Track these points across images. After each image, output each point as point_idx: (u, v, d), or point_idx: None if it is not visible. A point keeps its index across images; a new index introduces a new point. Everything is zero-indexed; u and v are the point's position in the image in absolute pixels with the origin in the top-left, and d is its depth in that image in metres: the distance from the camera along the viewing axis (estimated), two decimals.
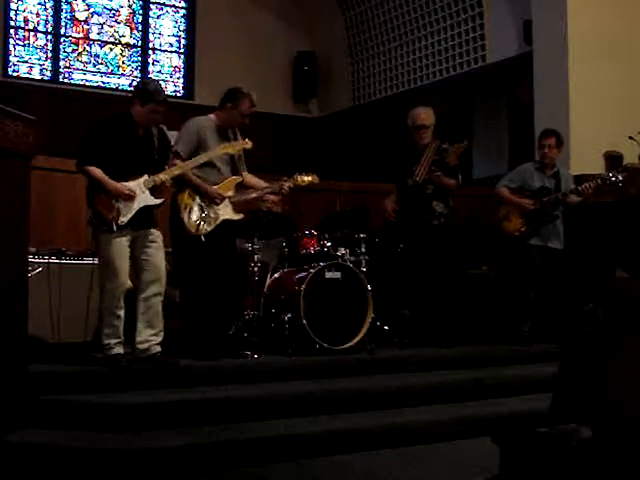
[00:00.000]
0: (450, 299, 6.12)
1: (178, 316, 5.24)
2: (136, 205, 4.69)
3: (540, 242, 6.24)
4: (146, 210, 4.76)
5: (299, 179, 5.59)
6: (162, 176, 4.79)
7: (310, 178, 5.62)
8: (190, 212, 5.10)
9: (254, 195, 5.52)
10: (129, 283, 4.71)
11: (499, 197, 6.43)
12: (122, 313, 4.68)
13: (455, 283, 6.33)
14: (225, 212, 5.24)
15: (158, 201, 4.81)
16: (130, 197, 4.65)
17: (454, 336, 6.01)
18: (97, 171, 4.63)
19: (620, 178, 5.90)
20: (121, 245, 4.67)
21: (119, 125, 4.76)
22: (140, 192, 4.71)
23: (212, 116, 5.41)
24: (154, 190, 4.79)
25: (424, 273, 6.03)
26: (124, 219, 4.65)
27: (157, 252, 4.80)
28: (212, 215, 5.17)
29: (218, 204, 5.20)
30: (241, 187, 5.44)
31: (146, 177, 4.76)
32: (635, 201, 5.98)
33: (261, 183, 5.56)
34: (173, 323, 5.07)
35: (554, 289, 6.27)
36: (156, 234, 4.84)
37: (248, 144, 5.27)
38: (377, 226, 6.40)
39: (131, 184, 4.69)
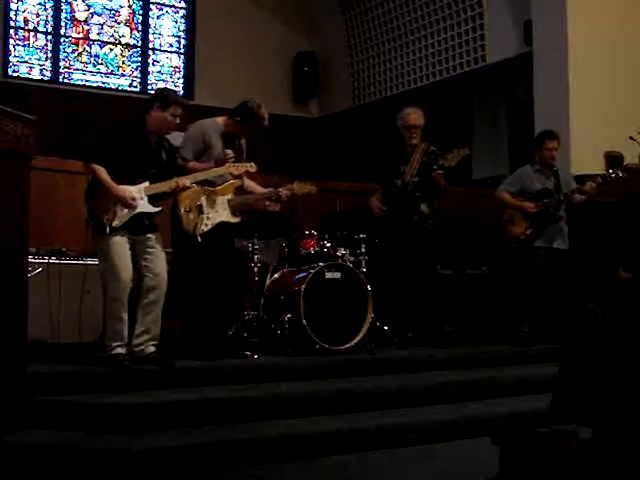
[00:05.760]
0: (438, 300, 6.10)
1: (177, 316, 5.23)
2: (133, 211, 4.71)
3: (545, 244, 6.24)
4: (144, 216, 4.77)
5: (297, 188, 5.57)
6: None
7: (308, 188, 5.62)
8: (189, 212, 5.10)
9: (252, 200, 5.53)
10: (131, 284, 4.70)
11: (501, 201, 6.42)
12: (125, 316, 4.68)
13: (442, 285, 6.32)
14: (223, 215, 5.25)
15: (156, 209, 4.83)
16: (132, 205, 4.67)
17: (448, 337, 6.01)
18: (102, 171, 4.65)
19: (621, 175, 5.90)
20: (120, 245, 4.67)
21: (132, 131, 4.80)
22: (139, 198, 4.73)
23: (219, 120, 5.42)
24: (153, 197, 4.80)
25: (412, 274, 6.01)
26: (118, 222, 4.67)
27: (157, 259, 4.80)
28: (210, 216, 5.18)
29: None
30: (240, 191, 5.44)
31: (147, 184, 4.78)
32: (638, 200, 5.97)
33: (259, 189, 5.54)
34: (172, 324, 5.07)
35: (557, 289, 6.26)
36: (155, 240, 4.84)
37: (253, 168, 5.27)
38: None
39: (131, 189, 4.71)
